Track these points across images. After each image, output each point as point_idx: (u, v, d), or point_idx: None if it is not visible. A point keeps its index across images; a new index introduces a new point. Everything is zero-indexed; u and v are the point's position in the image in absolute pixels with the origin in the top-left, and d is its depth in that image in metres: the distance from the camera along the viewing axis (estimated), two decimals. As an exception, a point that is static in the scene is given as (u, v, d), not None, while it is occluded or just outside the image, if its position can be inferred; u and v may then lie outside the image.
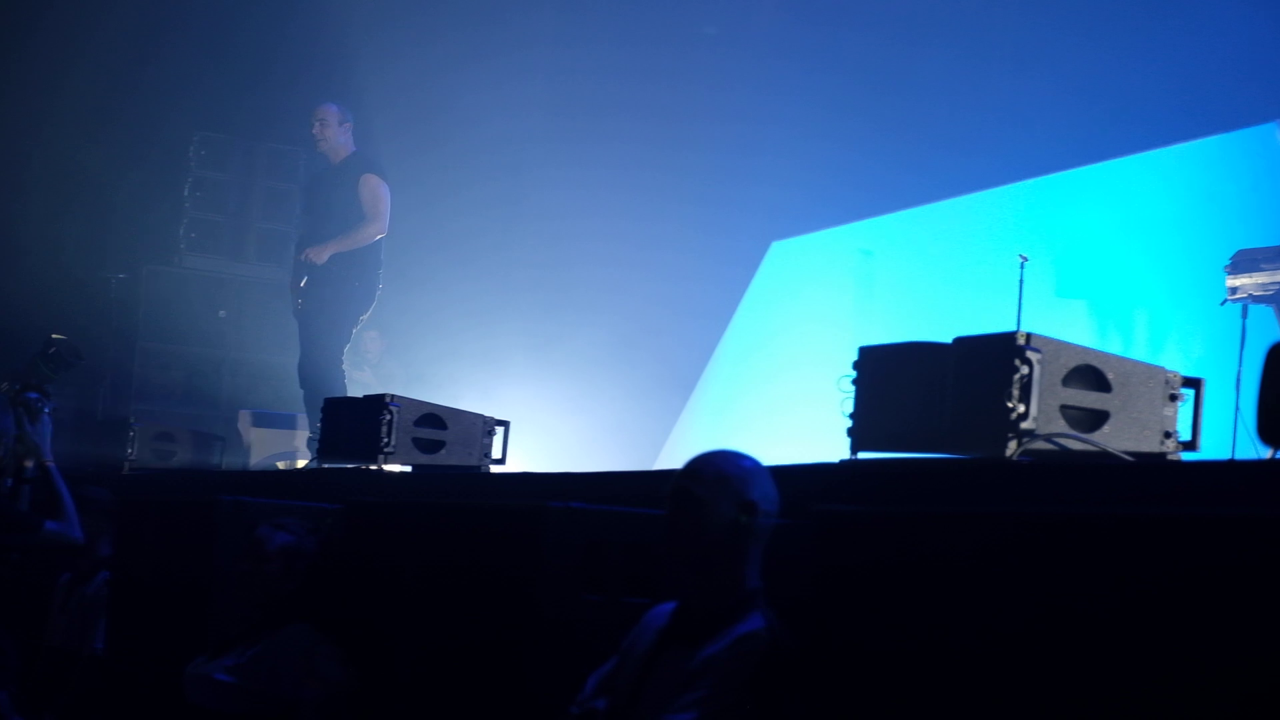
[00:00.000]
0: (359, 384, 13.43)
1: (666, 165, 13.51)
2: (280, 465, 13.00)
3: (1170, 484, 4.61)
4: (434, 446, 8.07)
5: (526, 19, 14.16)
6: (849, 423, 5.42)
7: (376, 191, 11.55)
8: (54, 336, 9.25)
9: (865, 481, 5.32)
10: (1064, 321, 12.40)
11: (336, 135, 11.68)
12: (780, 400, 13.10)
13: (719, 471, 4.49)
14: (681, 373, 14.82)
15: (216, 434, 12.56)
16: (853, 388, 5.43)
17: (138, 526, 7.63)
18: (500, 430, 8.31)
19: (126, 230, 14.96)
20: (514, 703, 4.95)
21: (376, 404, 8.00)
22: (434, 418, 8.12)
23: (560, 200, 13.99)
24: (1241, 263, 10.73)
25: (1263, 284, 10.59)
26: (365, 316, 11.78)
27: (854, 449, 5.40)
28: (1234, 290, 10.76)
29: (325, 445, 8.50)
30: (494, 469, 8.22)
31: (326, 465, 8.53)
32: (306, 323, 11.82)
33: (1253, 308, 10.79)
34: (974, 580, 3.73)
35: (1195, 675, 3.21)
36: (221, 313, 15.22)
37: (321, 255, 11.46)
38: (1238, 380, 10.68)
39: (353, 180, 11.64)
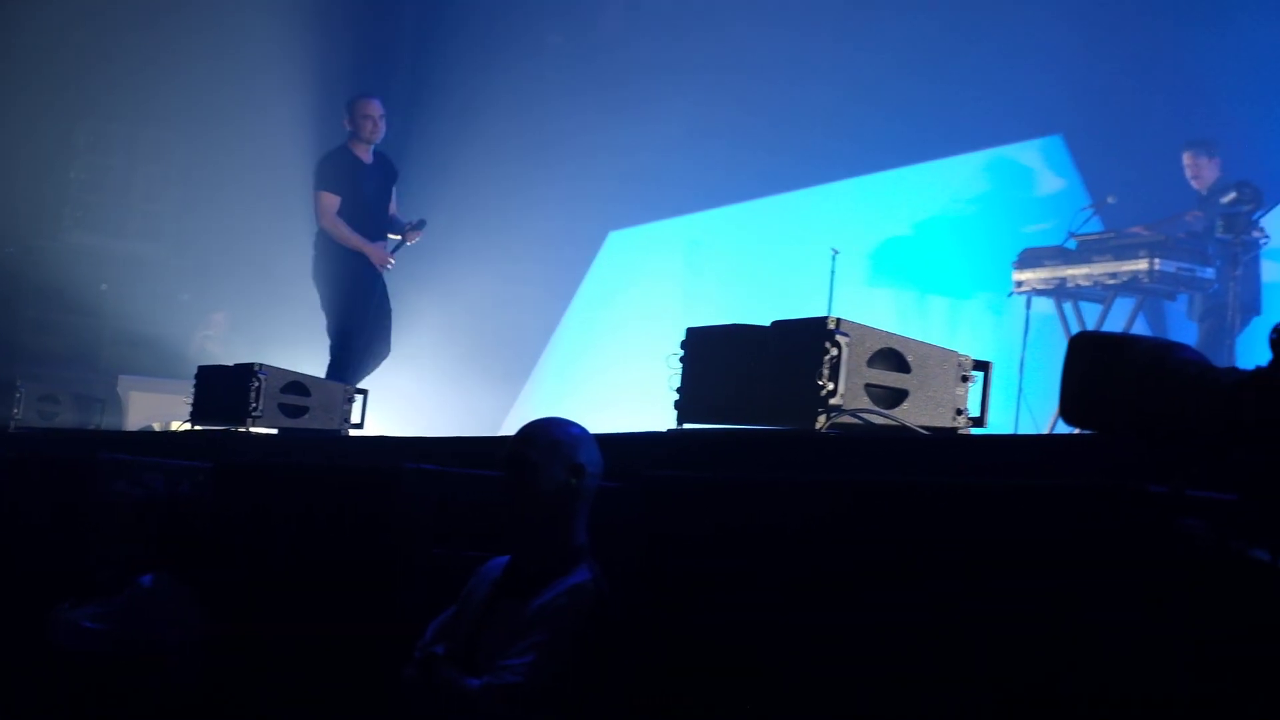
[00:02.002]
0: (211, 358, 13.25)
1: (516, 162, 13.47)
2: (156, 426, 12.83)
3: (960, 456, 4.67)
4: (298, 411, 8.00)
5: (385, 22, 14.03)
6: (676, 396, 5.44)
7: None
8: None
9: (689, 450, 5.34)
10: (871, 308, 12.49)
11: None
12: (614, 374, 13.09)
13: (551, 438, 4.51)
14: (526, 348, 14.79)
15: (97, 397, 12.37)
16: (680, 365, 5.45)
17: (20, 480, 7.49)
18: (360, 398, 8.27)
19: (16, 209, 14.70)
20: (368, 648, 4.92)
21: (246, 371, 7.93)
22: (299, 385, 8.06)
23: (419, 195, 13.87)
24: (1027, 259, 10.90)
25: (1045, 279, 10.76)
26: None
27: (680, 420, 5.42)
28: (1020, 284, 10.92)
29: (198, 409, 8.40)
30: (353, 433, 8.17)
31: (199, 427, 8.42)
32: (378, 304, 11.30)
33: (1036, 299, 10.96)
34: (784, 538, 3.76)
35: (985, 625, 3.25)
36: (103, 285, 15.02)
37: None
38: (1021, 364, 10.85)
39: (390, 184, 11.29)
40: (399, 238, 11.22)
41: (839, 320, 4.90)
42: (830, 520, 3.68)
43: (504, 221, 13.68)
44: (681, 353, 5.46)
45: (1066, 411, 2.18)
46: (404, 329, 13.57)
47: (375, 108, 11.08)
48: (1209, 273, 10.20)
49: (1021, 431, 10.34)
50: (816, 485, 3.88)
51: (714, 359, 5.36)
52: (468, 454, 5.79)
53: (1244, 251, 9.86)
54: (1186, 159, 10.92)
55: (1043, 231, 11.71)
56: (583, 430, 4.59)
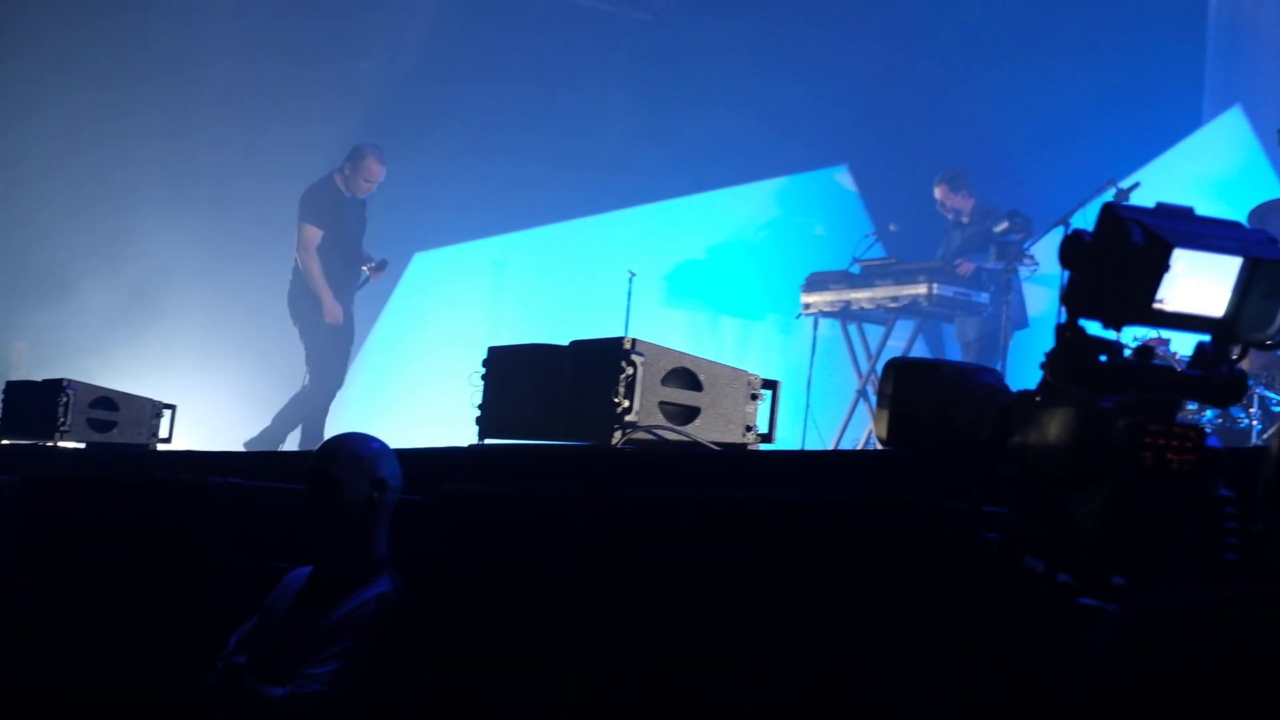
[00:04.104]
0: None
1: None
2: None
3: (749, 469, 4.72)
4: (106, 426, 7.85)
5: (196, 43, 13.76)
6: (478, 413, 5.43)
7: None
8: None
9: (490, 464, 5.34)
10: (666, 329, 12.58)
11: None
12: (419, 391, 13.01)
13: (353, 453, 4.49)
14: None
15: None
16: (482, 382, 5.45)
17: None
18: (168, 413, 8.13)
19: None
20: (173, 659, 4.84)
21: (54, 387, 7.77)
22: (107, 400, 7.91)
23: (233, 209, 13.64)
24: (814, 283, 11.03)
25: (831, 301, 10.90)
26: None
27: (481, 435, 5.42)
28: (807, 306, 11.05)
29: (6, 423, 8.19)
30: (161, 447, 8.04)
31: (6, 441, 8.21)
32: (346, 342, 11.20)
33: (822, 320, 11.11)
34: (579, 549, 3.77)
35: (781, 631, 3.28)
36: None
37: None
38: (809, 382, 10.99)
39: (365, 220, 11.14)
40: (365, 271, 11.12)
41: (634, 341, 4.94)
42: (624, 532, 3.70)
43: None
44: (483, 371, 5.46)
45: (880, 431, 2.24)
46: (211, 346, 13.37)
47: (379, 173, 10.98)
48: (984, 297, 10.43)
49: (808, 447, 10.47)
50: (611, 498, 3.89)
51: (514, 377, 5.37)
52: (273, 468, 5.73)
53: (1014, 278, 10.10)
54: (938, 192, 11.17)
55: (827, 256, 11.87)
56: (383, 445, 4.58)
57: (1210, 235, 1.76)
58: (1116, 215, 1.74)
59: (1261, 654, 1.70)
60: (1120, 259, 1.73)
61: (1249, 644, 1.70)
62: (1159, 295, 1.75)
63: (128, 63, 13.28)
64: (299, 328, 11.09)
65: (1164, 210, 1.77)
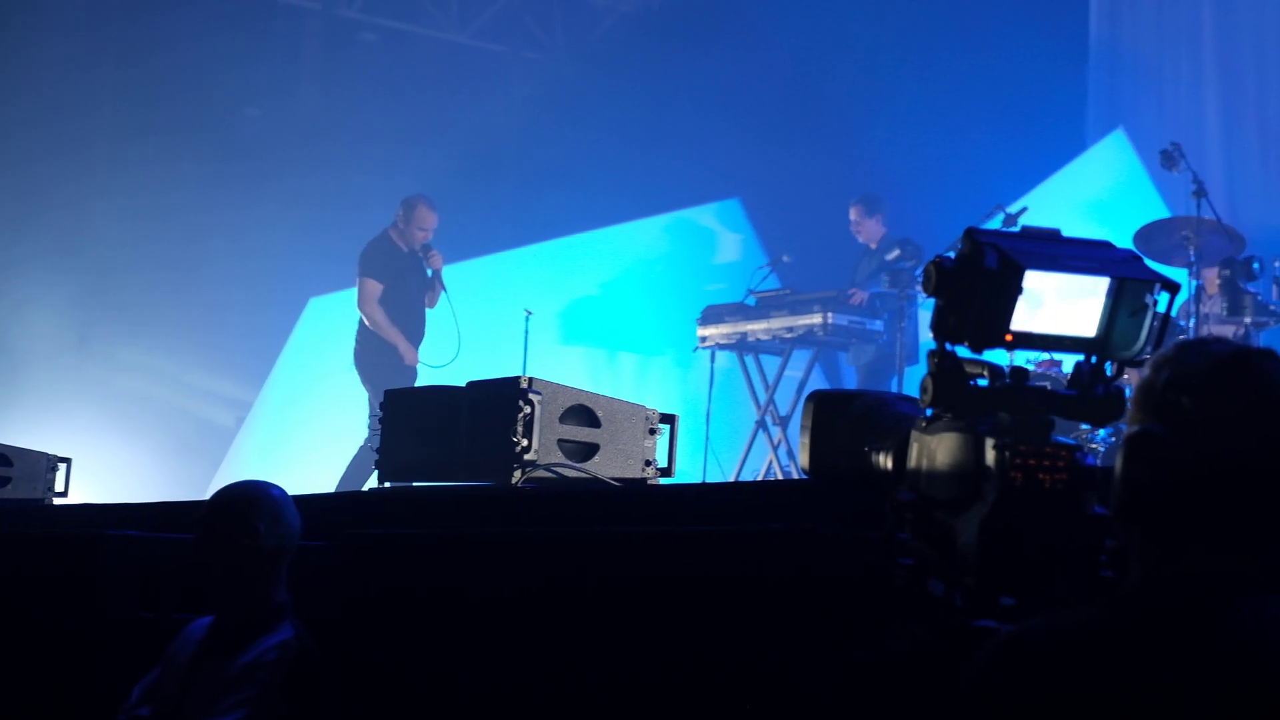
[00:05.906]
0: None
1: (217, 231, 13.27)
2: None
3: (649, 504, 4.75)
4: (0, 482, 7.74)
5: (83, 96, 13.65)
6: (378, 456, 5.44)
7: None
8: None
9: (391, 507, 5.34)
10: (564, 367, 12.59)
11: None
12: (318, 436, 12.94)
13: (248, 499, 4.45)
14: (230, 412, 14.53)
15: None
16: (381, 426, 5.45)
17: None
18: (63, 466, 8.03)
19: None
20: (73, 714, 4.80)
21: (-57, 443, 7.66)
22: (-1, 456, 7.80)
23: (126, 258, 13.52)
24: (710, 316, 11.08)
25: (727, 334, 10.95)
26: None
27: (382, 479, 5.42)
28: (704, 339, 11.10)
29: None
30: (58, 501, 7.94)
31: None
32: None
33: (720, 353, 11.16)
34: (481, 590, 3.78)
35: (673, 656, 3.30)
36: None
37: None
38: (707, 415, 11.05)
39: (425, 272, 10.95)
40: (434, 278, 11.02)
41: (531, 379, 4.98)
42: (526, 571, 3.72)
43: (204, 295, 13.45)
44: (381, 414, 5.47)
45: (802, 462, 2.29)
46: (108, 396, 13.24)
47: (432, 221, 10.92)
48: (878, 325, 10.53)
49: (710, 479, 10.52)
50: (510, 538, 3.92)
51: (413, 420, 5.38)
52: (173, 519, 5.69)
53: (909, 305, 10.21)
54: (852, 213, 11.26)
55: (723, 289, 11.95)
56: (281, 491, 4.55)
57: (1067, 256, 1.80)
58: (975, 240, 1.78)
59: (1111, 674, 1.75)
60: (977, 283, 1.78)
61: (1101, 666, 1.75)
62: (1033, 317, 1.79)
63: (18, 132, 13.16)
64: (368, 387, 10.80)
65: (1028, 233, 1.82)
